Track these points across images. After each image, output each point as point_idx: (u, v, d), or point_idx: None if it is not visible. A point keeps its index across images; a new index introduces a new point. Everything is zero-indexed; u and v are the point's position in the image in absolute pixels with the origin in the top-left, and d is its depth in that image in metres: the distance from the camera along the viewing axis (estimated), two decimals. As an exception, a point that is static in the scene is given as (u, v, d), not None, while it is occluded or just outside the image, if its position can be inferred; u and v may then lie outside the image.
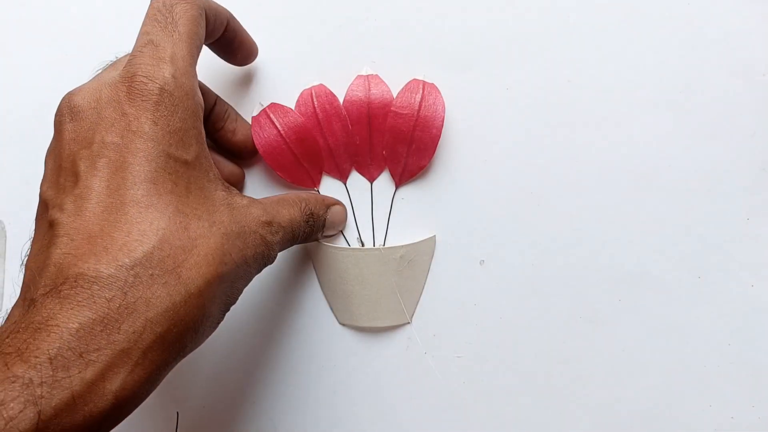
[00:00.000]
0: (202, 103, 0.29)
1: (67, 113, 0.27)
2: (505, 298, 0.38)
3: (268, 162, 0.38)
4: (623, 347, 0.38)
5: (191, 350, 0.27)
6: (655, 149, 0.38)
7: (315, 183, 0.39)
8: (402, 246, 0.38)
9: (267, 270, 0.39)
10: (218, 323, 0.28)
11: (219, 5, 0.32)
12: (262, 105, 0.38)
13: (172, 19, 0.28)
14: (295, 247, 0.39)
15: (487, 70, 0.39)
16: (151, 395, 0.40)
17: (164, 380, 0.38)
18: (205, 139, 0.29)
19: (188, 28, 0.28)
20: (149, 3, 0.29)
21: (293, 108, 0.39)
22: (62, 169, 0.26)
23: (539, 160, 0.38)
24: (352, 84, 0.38)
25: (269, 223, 0.30)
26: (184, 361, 0.39)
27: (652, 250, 0.38)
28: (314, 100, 0.38)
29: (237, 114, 0.38)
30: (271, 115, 0.38)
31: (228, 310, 0.28)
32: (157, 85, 0.26)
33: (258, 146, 0.38)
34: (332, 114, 0.38)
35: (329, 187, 0.39)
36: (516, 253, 0.38)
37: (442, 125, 0.38)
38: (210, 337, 0.39)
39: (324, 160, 0.39)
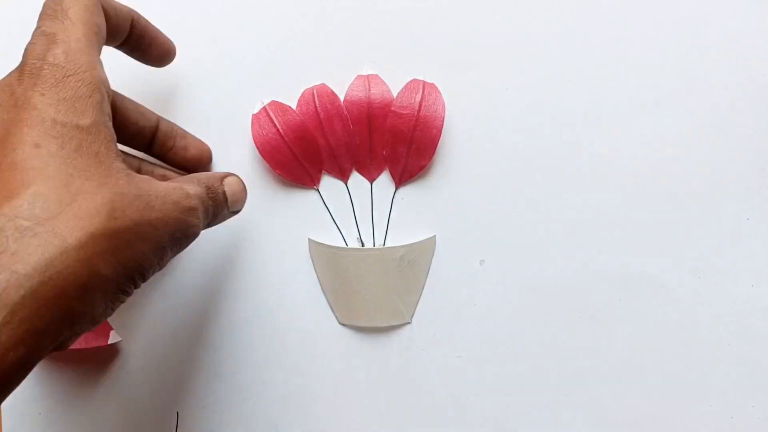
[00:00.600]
0: (107, 82, 0.29)
1: None
2: (505, 298, 0.38)
3: (266, 160, 0.38)
4: (623, 347, 0.38)
5: (87, 319, 0.25)
6: (655, 149, 0.38)
7: (314, 182, 0.39)
8: (402, 246, 0.38)
9: (267, 270, 0.39)
10: (120, 289, 0.26)
11: (120, 3, 0.32)
12: (263, 103, 0.38)
13: (62, 9, 0.28)
14: (295, 246, 0.39)
15: (487, 70, 0.39)
16: (151, 395, 0.40)
17: (164, 380, 0.39)
18: (109, 112, 0.28)
19: (80, 15, 0.28)
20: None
21: (295, 107, 0.39)
22: None
23: (539, 160, 0.38)
24: (352, 84, 0.38)
25: (179, 189, 0.29)
26: (184, 360, 0.39)
27: (652, 250, 0.38)
28: (316, 99, 0.38)
29: (184, 131, 0.37)
30: (271, 113, 0.38)
31: (136, 277, 0.27)
32: (48, 62, 0.27)
33: (257, 144, 0.38)
34: (333, 114, 0.38)
35: (329, 186, 0.39)
36: (516, 253, 0.38)
37: (442, 125, 0.38)
38: (210, 338, 0.39)
39: (324, 159, 0.39)
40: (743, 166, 0.38)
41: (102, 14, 0.30)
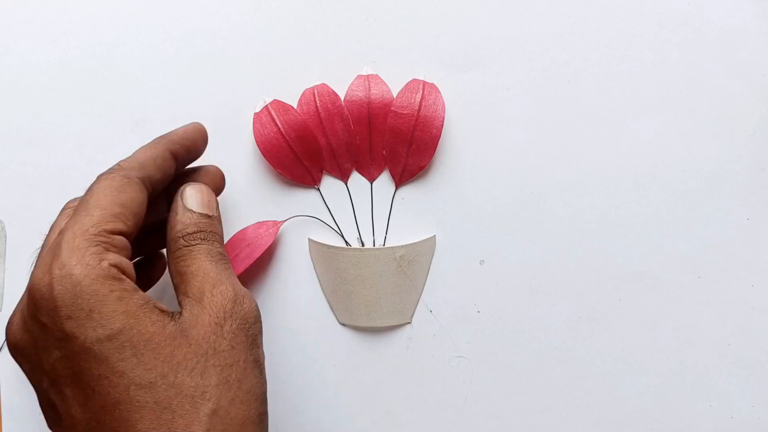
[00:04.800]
0: (128, 277, 0.28)
1: None
2: (505, 298, 0.38)
3: (267, 159, 0.38)
4: (623, 347, 0.38)
5: None
6: (655, 149, 0.38)
7: (315, 181, 0.39)
8: (402, 246, 0.38)
9: (266, 270, 0.39)
10: None
11: (162, 169, 0.32)
12: (266, 101, 0.38)
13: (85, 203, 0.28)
14: (294, 246, 0.39)
15: (487, 70, 0.39)
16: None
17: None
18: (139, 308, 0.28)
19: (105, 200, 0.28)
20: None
21: (295, 106, 0.39)
22: None
23: (539, 160, 0.38)
24: (352, 84, 0.39)
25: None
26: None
27: (652, 250, 0.38)
28: (317, 99, 0.38)
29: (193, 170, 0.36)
30: (272, 112, 0.38)
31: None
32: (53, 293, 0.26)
33: (258, 144, 0.38)
34: (334, 113, 0.38)
35: (329, 186, 0.39)
36: (516, 253, 0.38)
37: (442, 125, 0.38)
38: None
39: (325, 159, 0.39)
40: (743, 166, 0.38)
41: (142, 190, 0.30)
